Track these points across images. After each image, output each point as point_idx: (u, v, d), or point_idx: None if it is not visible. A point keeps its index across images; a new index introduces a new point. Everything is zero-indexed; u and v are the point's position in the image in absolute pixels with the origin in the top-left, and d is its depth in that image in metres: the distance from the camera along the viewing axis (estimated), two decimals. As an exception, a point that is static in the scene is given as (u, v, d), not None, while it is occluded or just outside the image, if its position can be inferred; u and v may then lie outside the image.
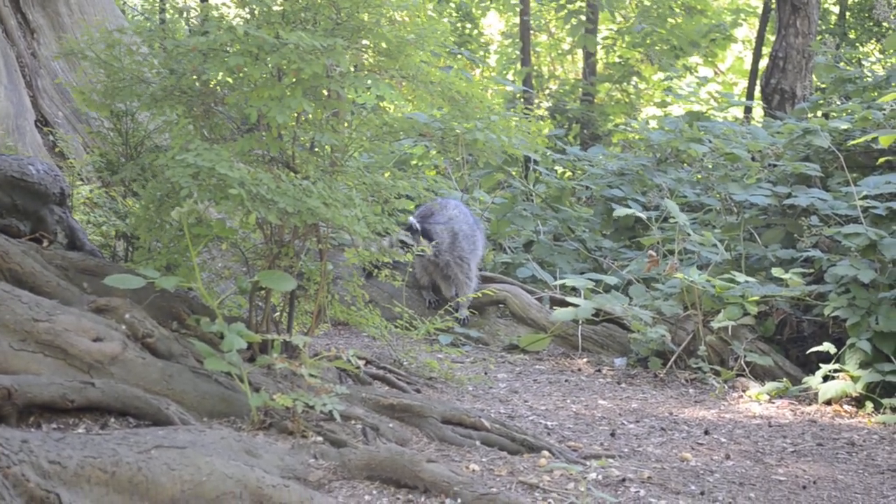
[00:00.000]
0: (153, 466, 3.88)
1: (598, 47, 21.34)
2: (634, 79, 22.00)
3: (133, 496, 3.81)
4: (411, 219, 9.00)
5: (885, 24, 17.20)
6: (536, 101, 20.70)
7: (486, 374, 7.74)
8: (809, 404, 7.49)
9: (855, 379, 7.44)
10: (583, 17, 20.50)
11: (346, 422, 5.16)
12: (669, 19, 21.31)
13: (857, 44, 20.10)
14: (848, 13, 20.53)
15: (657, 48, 20.62)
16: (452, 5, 21.21)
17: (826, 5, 20.92)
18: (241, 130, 5.86)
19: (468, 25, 21.78)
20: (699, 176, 11.50)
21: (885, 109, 9.64)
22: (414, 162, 13.03)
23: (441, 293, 9.49)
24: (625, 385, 7.83)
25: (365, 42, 5.86)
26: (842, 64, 12.20)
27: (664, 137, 11.91)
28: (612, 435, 6.18)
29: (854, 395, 7.42)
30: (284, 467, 4.40)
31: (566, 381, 7.80)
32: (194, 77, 5.68)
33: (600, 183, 11.93)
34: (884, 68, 13.50)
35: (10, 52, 9.26)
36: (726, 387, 7.86)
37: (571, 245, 11.26)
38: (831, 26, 20.42)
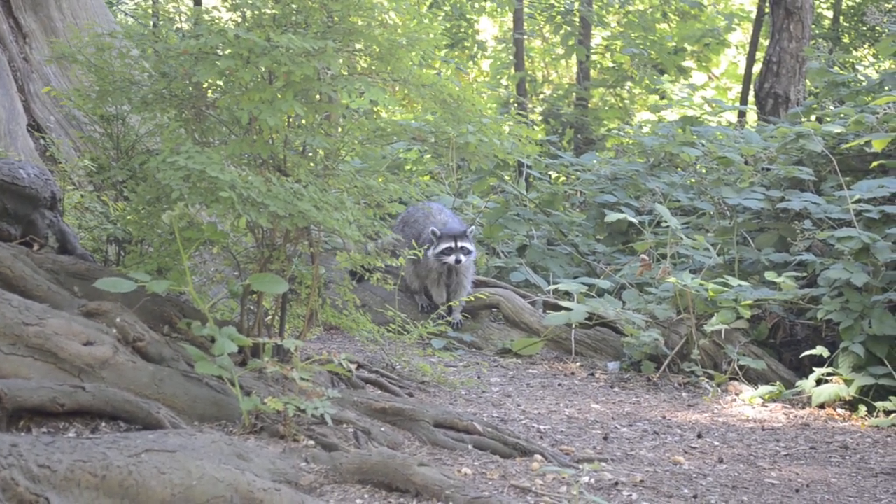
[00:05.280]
0: (143, 470, 3.86)
1: (591, 54, 21.30)
2: (628, 83, 21.99)
3: (123, 500, 3.80)
4: (433, 227, 9.04)
5: (878, 28, 17.22)
6: (530, 105, 20.68)
7: (478, 378, 7.73)
8: (803, 408, 7.49)
9: (848, 382, 7.44)
10: (576, 23, 20.49)
11: (338, 425, 5.14)
12: (663, 25, 21.30)
13: (851, 48, 20.10)
14: (842, 17, 20.53)
15: (651, 57, 20.56)
16: (447, 8, 21.16)
17: (820, 10, 20.91)
18: (233, 134, 5.84)
19: (464, 24, 21.73)
20: (692, 180, 11.50)
21: (878, 113, 9.62)
22: (408, 167, 13.02)
23: (433, 299, 9.48)
24: (618, 389, 7.83)
25: (357, 46, 5.85)
26: (835, 68, 12.19)
27: (657, 142, 11.92)
28: (605, 439, 6.17)
29: (847, 398, 7.42)
30: (276, 471, 4.38)
31: (559, 384, 7.79)
32: (185, 80, 5.67)
33: (593, 189, 11.93)
34: (877, 72, 13.52)
35: (2, 57, 9.24)
36: (719, 390, 7.85)
37: (565, 249, 11.26)
38: (825, 31, 20.41)
